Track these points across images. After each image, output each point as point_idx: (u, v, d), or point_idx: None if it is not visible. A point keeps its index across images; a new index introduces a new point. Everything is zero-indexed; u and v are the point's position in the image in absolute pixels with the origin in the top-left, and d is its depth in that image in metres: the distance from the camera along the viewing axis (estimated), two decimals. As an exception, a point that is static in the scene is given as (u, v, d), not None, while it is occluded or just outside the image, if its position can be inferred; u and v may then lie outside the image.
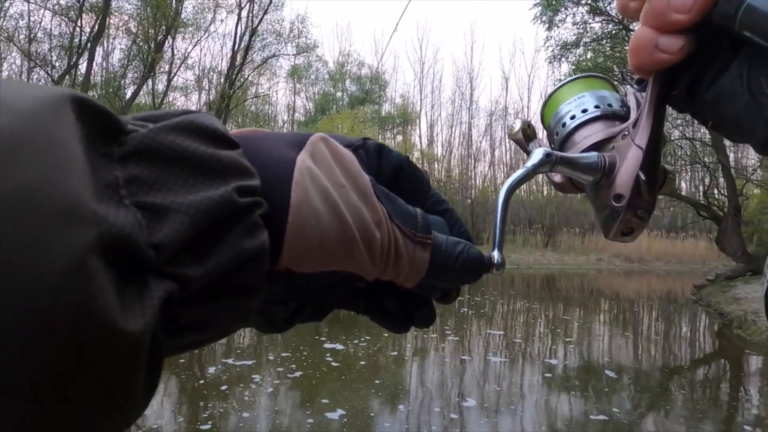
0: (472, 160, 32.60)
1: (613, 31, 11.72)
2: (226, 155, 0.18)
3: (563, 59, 12.77)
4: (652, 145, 0.24)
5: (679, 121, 14.61)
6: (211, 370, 3.99)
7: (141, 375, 0.14)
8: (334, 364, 4.12)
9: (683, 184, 24.33)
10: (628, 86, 0.28)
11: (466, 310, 7.03)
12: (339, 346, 4.74)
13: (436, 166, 31.38)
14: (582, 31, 12.05)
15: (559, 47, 12.40)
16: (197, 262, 0.16)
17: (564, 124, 0.29)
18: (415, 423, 3.07)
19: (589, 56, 12.37)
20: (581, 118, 0.28)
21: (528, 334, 5.99)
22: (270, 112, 25.99)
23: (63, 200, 0.12)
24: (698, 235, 19.13)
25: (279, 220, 0.19)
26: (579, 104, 0.29)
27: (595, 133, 0.27)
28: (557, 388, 3.75)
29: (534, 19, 12.19)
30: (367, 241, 0.21)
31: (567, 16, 11.98)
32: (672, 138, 15.03)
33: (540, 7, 11.98)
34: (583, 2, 11.56)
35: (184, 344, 0.18)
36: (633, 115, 0.27)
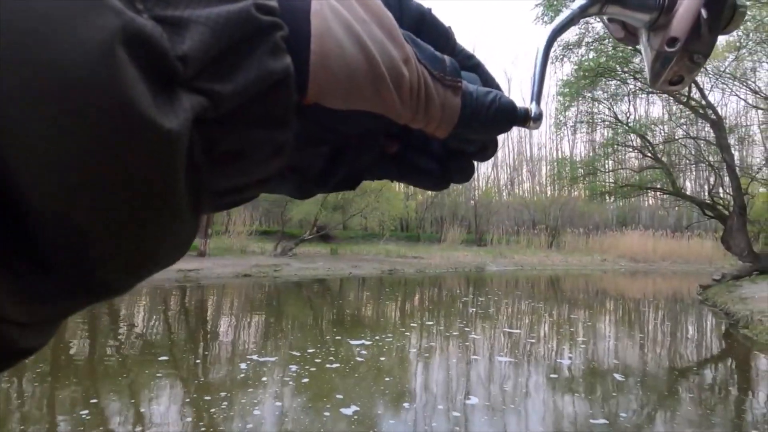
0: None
1: (615, 31, 11.69)
2: None
3: (565, 59, 12.76)
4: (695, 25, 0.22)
5: (683, 120, 14.56)
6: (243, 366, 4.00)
7: (180, 182, 0.14)
8: (358, 358, 4.12)
9: (688, 183, 24.24)
10: None
11: (473, 309, 7.00)
12: (366, 342, 4.74)
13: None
14: (584, 31, 12.03)
15: (561, 47, 12.38)
16: (225, 78, 0.16)
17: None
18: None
19: (591, 56, 12.35)
20: None
21: (541, 334, 5.97)
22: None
23: None
24: (704, 234, 19.01)
25: (301, 50, 0.18)
26: None
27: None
28: (570, 387, 3.73)
29: (536, 19, 12.19)
30: (395, 77, 0.20)
31: (569, 16, 11.97)
32: (676, 137, 14.99)
33: (542, 8, 11.98)
34: (585, 2, 11.54)
35: (227, 187, 0.17)
36: None
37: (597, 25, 12.06)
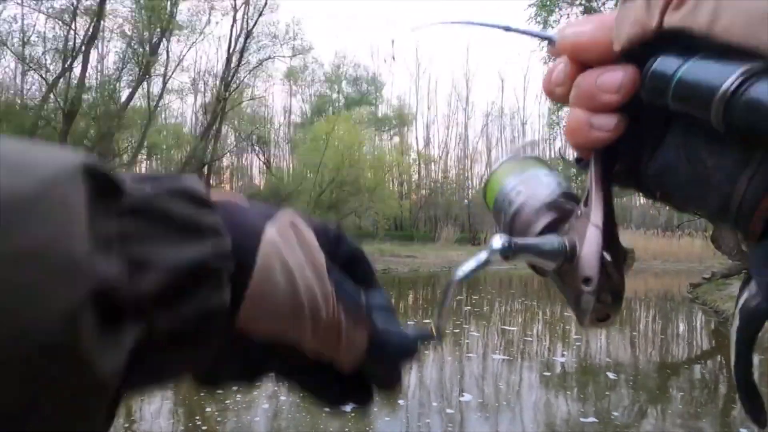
0: (469, 161, 32.56)
1: (608, 32, 11.81)
2: (207, 219, 0.21)
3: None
4: (608, 221, 0.24)
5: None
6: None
7: (104, 408, 0.17)
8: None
9: (678, 183, 24.36)
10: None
11: (470, 308, 7.03)
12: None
13: (432, 167, 31.40)
14: (577, 31, 12.13)
15: (554, 47, 12.47)
16: (168, 311, 0.19)
17: (511, 202, 0.28)
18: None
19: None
20: (529, 200, 0.27)
21: (534, 332, 6.01)
22: (266, 114, 25.97)
23: (65, 256, 0.15)
24: (694, 233, 19.24)
25: (242, 282, 0.22)
26: (523, 181, 0.28)
27: (546, 214, 0.26)
28: (563, 384, 3.76)
29: (529, 19, 12.26)
30: (314, 314, 0.23)
31: (561, 16, 12.06)
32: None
33: (535, 8, 12.04)
34: (578, 3, 11.62)
35: (139, 384, 0.20)
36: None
37: (589, 25, 12.16)
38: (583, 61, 0.22)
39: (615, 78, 0.21)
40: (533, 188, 0.27)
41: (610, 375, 4.09)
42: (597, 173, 0.24)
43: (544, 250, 0.24)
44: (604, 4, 11.44)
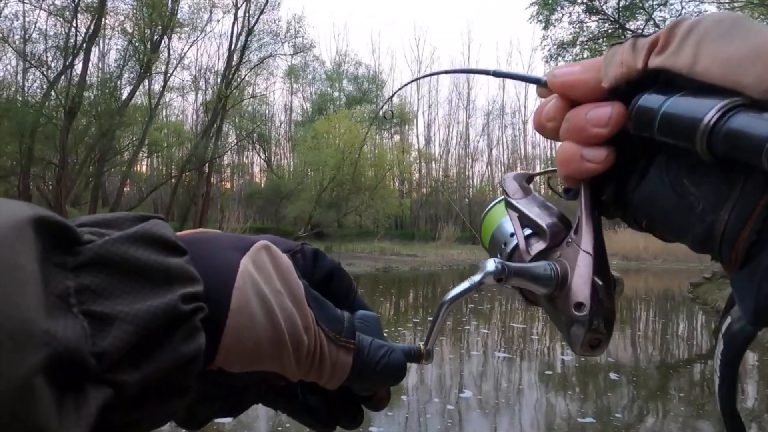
0: (470, 160, 32.59)
1: (610, 30, 11.76)
2: (174, 263, 0.20)
3: (560, 58, 12.80)
4: (599, 248, 0.24)
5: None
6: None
7: None
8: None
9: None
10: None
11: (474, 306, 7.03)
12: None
13: (433, 165, 31.40)
14: (578, 30, 12.08)
15: (555, 46, 12.43)
16: (136, 368, 0.18)
17: (505, 243, 0.29)
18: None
19: (585, 55, 12.41)
20: (524, 233, 0.28)
21: (534, 330, 6.00)
22: (267, 112, 25.95)
23: (16, 322, 0.14)
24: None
25: (218, 322, 0.21)
26: (518, 218, 0.29)
27: (539, 242, 0.27)
28: (564, 383, 3.76)
29: (530, 18, 12.23)
30: (295, 345, 0.23)
31: (563, 15, 12.02)
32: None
33: (536, 7, 12.00)
34: (579, 1, 11.58)
35: None
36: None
37: (591, 24, 12.14)
38: (572, 98, 0.23)
39: (604, 113, 0.22)
40: (528, 222, 0.28)
41: (612, 376, 4.08)
42: (586, 202, 0.25)
43: (537, 275, 0.25)
44: (606, 2, 11.41)
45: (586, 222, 0.25)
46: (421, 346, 0.28)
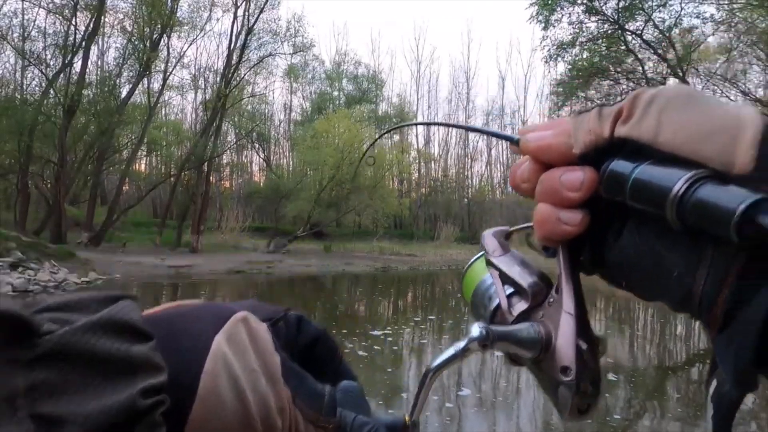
0: (469, 160, 32.67)
1: (609, 31, 11.77)
2: (137, 352, 0.19)
3: (559, 58, 12.81)
4: (581, 309, 0.25)
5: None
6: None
7: None
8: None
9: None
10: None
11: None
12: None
13: (432, 165, 31.42)
14: (578, 30, 12.09)
15: (555, 47, 12.43)
16: None
17: (487, 304, 0.29)
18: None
19: (585, 56, 12.41)
20: (505, 291, 0.29)
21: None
22: (266, 111, 25.93)
23: None
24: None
25: (184, 409, 0.20)
26: (499, 276, 0.29)
27: (520, 302, 0.27)
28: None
29: (530, 18, 12.23)
30: (267, 429, 0.22)
31: (563, 15, 12.03)
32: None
33: (536, 7, 12.01)
34: (579, 2, 11.59)
35: None
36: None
37: (591, 24, 12.15)
38: (545, 161, 0.24)
39: (576, 178, 0.23)
40: (508, 281, 0.28)
41: (611, 376, 4.09)
42: (565, 263, 0.25)
43: (521, 338, 0.25)
44: (605, 3, 11.41)
45: (566, 282, 0.25)
46: (406, 417, 0.27)
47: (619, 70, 12.28)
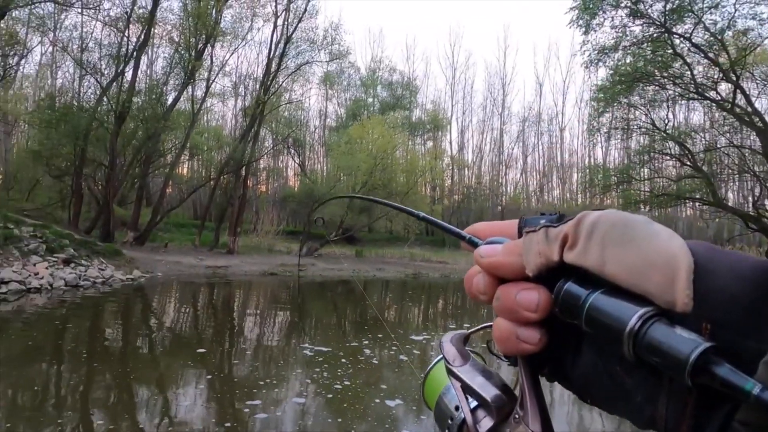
0: (504, 167, 32.08)
1: (655, 34, 11.28)
2: None
3: (601, 63, 12.39)
4: (546, 425, 0.25)
5: (726, 128, 13.86)
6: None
7: None
8: (359, 368, 4.11)
9: (730, 195, 22.97)
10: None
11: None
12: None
13: (466, 172, 31.04)
14: (621, 34, 11.66)
15: (596, 51, 12.05)
16: None
17: (452, 417, 0.29)
18: None
19: (628, 60, 11.95)
20: (470, 405, 0.28)
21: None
22: (302, 117, 26.50)
23: None
24: (746, 248, 18.02)
25: None
26: (462, 387, 0.29)
27: (486, 418, 0.27)
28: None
29: (570, 23, 11.91)
30: None
31: (605, 19, 11.64)
32: (718, 145, 14.27)
33: (576, 11, 11.69)
34: (623, 5, 11.19)
35: None
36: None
37: (635, 28, 11.69)
38: (498, 276, 0.25)
39: (532, 299, 0.24)
40: (472, 393, 0.28)
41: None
42: (527, 376, 0.26)
43: None
44: (651, 6, 10.96)
45: (530, 398, 0.25)
46: None
47: (665, 75, 11.72)
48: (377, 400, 3.39)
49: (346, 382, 3.75)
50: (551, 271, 0.23)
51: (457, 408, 0.29)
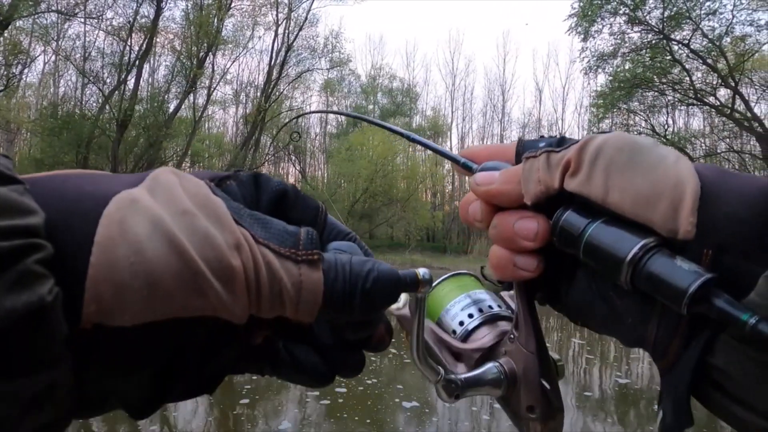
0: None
1: (653, 41, 11.36)
2: None
3: (599, 70, 12.47)
4: (540, 346, 0.26)
5: (726, 133, 13.90)
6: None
7: None
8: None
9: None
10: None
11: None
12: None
13: (466, 178, 30.98)
14: (619, 41, 11.74)
15: (595, 58, 12.12)
16: None
17: (455, 331, 0.29)
18: None
19: (627, 66, 12.01)
20: (470, 323, 0.29)
21: (570, 349, 5.77)
22: (303, 124, 26.64)
23: None
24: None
25: (77, 265, 0.15)
26: (463, 308, 0.30)
27: (485, 337, 0.28)
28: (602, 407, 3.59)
29: (569, 30, 12.00)
30: (221, 272, 0.17)
31: (603, 26, 11.72)
32: (718, 150, 14.30)
33: (575, 18, 11.78)
34: (621, 12, 11.28)
35: None
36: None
37: (634, 35, 11.77)
38: (495, 204, 0.25)
39: (530, 228, 0.23)
40: (472, 312, 0.29)
41: (623, 381, 3.85)
42: (523, 301, 0.26)
43: (487, 380, 0.26)
44: (649, 13, 11.04)
45: (524, 321, 0.26)
46: (418, 271, 0.22)
47: (664, 80, 11.78)
48: (395, 400, 3.37)
49: (353, 383, 3.73)
50: (551, 199, 0.23)
51: (461, 323, 0.29)
